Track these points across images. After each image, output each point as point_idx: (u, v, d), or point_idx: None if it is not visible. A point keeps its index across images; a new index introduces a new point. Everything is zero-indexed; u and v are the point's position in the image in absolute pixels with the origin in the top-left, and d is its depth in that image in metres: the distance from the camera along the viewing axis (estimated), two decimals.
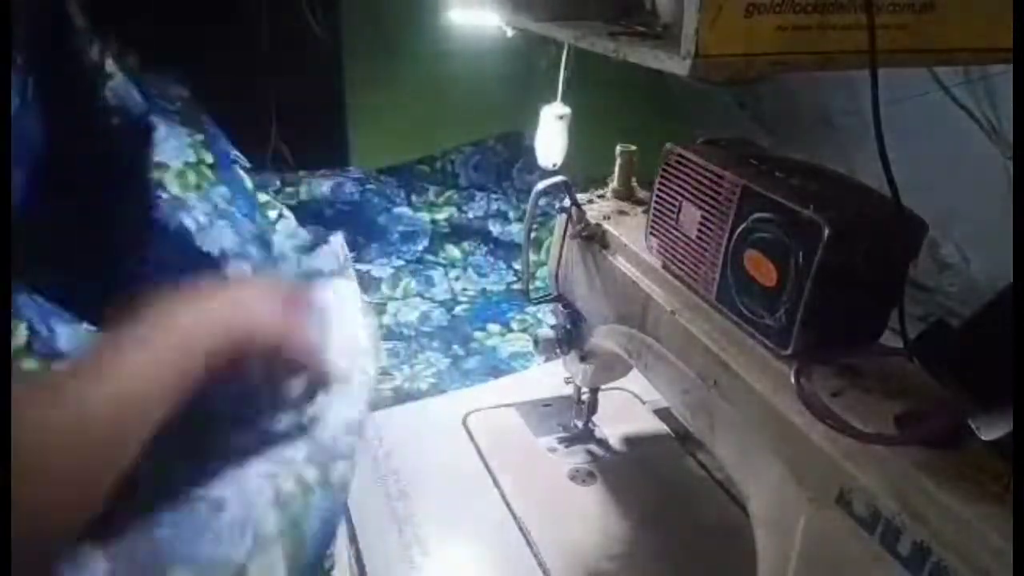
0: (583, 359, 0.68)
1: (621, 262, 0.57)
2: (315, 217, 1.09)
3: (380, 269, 1.11)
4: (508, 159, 1.36)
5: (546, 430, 0.77)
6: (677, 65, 0.37)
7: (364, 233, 1.16)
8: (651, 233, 0.53)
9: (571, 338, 0.69)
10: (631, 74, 0.56)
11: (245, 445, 0.46)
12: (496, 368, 0.90)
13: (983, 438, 0.31)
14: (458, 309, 1.04)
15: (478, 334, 0.98)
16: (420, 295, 1.07)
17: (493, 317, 1.01)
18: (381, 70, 1.26)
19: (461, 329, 0.99)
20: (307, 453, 0.46)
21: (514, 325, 1.00)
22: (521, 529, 0.64)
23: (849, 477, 0.36)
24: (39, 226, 0.56)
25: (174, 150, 0.63)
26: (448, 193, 1.28)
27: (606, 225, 0.60)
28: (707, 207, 0.46)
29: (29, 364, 0.49)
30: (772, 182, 0.42)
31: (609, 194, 0.65)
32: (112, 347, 0.44)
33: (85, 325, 0.53)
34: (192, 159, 0.64)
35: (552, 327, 0.71)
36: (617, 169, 0.64)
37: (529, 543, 0.63)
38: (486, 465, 0.72)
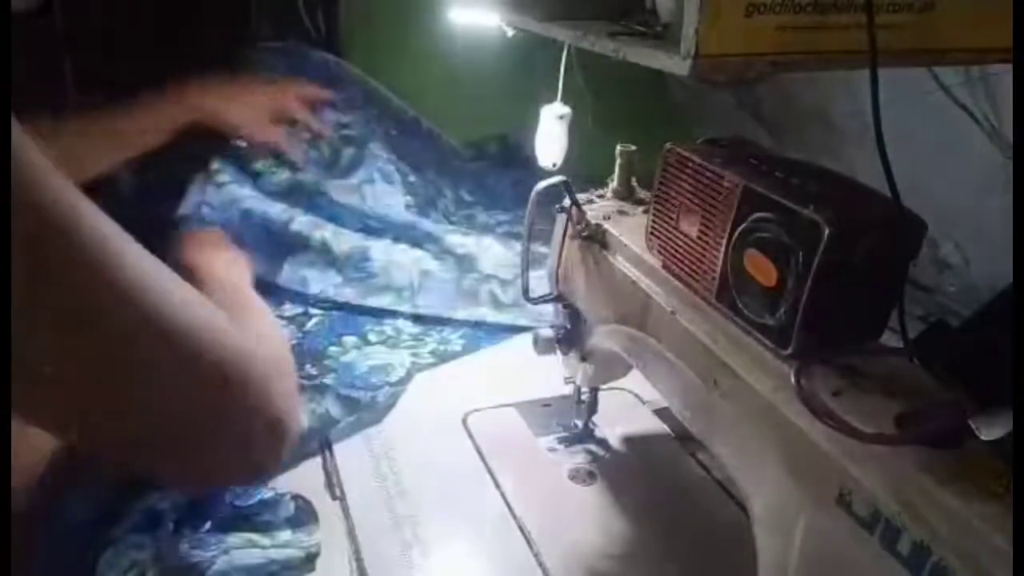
0: (583, 359, 0.68)
1: (621, 262, 0.57)
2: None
3: None
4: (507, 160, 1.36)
5: (546, 430, 0.77)
6: (677, 65, 0.37)
7: None
8: (651, 233, 0.53)
9: (571, 338, 0.69)
10: (631, 74, 0.56)
11: None
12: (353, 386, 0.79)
13: (983, 438, 0.31)
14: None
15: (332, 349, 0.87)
16: None
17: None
18: (380, 70, 1.26)
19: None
20: None
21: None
22: (521, 529, 0.64)
23: (849, 477, 0.36)
24: None
25: None
26: None
27: (606, 225, 0.60)
28: (707, 207, 0.46)
29: None
30: (772, 182, 0.42)
31: (609, 194, 0.65)
32: None
33: None
34: None
35: (552, 327, 0.71)
36: (617, 169, 0.64)
37: (529, 543, 0.63)
38: (486, 465, 0.72)
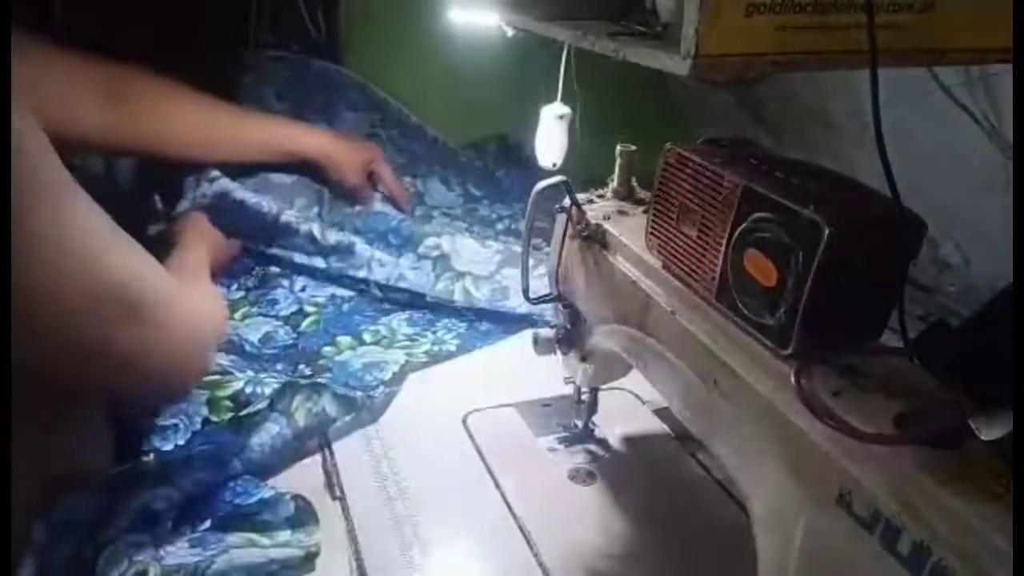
0: (583, 359, 0.68)
1: (621, 262, 0.57)
2: None
3: None
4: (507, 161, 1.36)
5: (546, 430, 0.77)
6: (677, 65, 0.37)
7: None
8: (651, 233, 0.53)
9: (571, 338, 0.69)
10: (631, 74, 0.56)
11: None
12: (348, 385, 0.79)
13: (983, 438, 0.31)
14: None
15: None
16: None
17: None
18: (380, 69, 1.26)
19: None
20: None
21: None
22: (521, 529, 0.64)
23: (849, 477, 0.36)
24: None
25: None
26: None
27: (606, 225, 0.60)
28: (707, 207, 0.46)
29: None
30: (772, 182, 0.42)
31: (609, 194, 0.65)
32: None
33: None
34: None
35: (552, 327, 0.71)
36: (617, 169, 0.64)
37: (529, 543, 0.63)
38: (486, 465, 0.72)
